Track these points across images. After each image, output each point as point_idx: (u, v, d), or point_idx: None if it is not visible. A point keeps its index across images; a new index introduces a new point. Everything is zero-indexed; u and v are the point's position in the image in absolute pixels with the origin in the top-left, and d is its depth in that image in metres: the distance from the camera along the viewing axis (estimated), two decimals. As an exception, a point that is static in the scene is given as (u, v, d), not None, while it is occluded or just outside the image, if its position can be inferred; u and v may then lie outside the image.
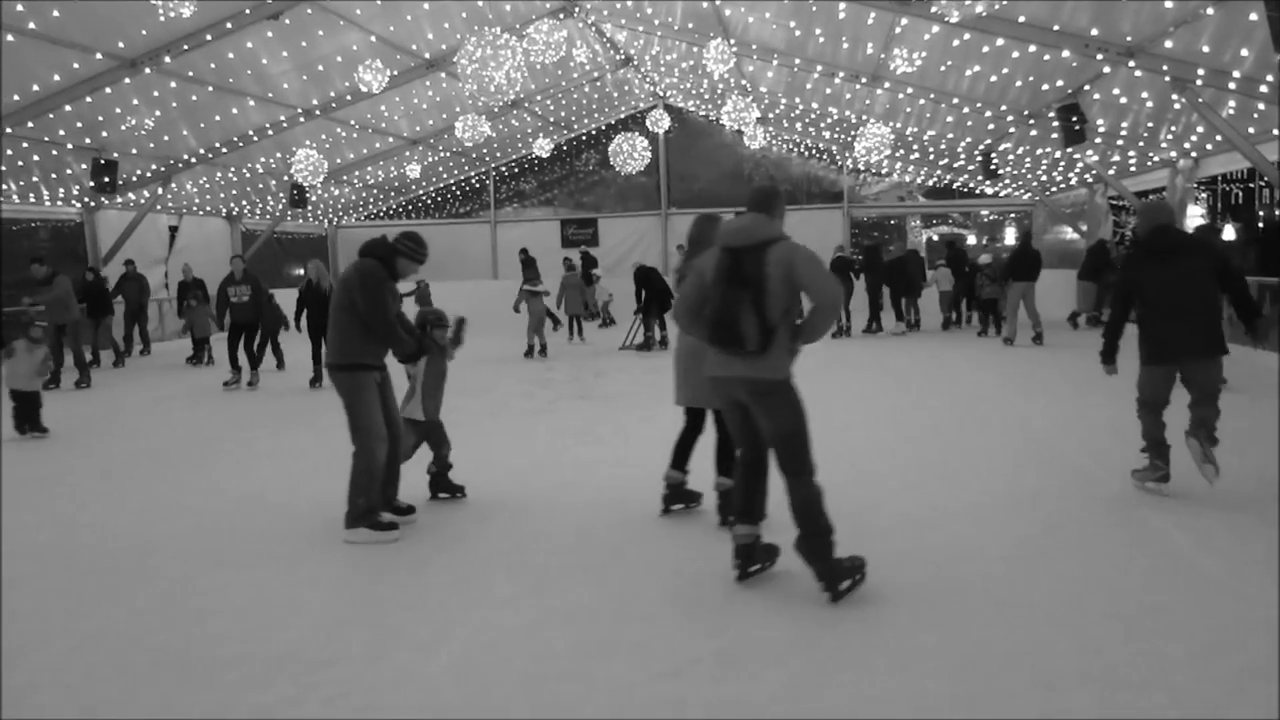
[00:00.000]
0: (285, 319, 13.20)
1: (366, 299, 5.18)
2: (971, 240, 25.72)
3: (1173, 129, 13.64)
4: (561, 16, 16.17)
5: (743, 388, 4.18)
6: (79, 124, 13.81)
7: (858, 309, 16.84)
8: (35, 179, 15.16)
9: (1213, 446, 5.47)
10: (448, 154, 22.66)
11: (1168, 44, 10.42)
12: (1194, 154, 14.56)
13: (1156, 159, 15.47)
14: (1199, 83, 10.75)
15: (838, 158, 23.75)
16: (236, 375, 12.23)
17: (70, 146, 14.46)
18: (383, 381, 5.45)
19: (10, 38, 10.89)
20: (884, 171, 23.30)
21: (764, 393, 4.14)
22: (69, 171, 15.35)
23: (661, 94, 23.54)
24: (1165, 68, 10.83)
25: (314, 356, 12.05)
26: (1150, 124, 13.84)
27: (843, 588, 4.10)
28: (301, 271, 23.34)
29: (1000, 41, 12.03)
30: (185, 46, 12.68)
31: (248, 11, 12.50)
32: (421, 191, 25.37)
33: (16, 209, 16.14)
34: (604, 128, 24.37)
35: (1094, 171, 17.56)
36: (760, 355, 4.08)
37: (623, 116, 24.36)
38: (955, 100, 15.42)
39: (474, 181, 25.52)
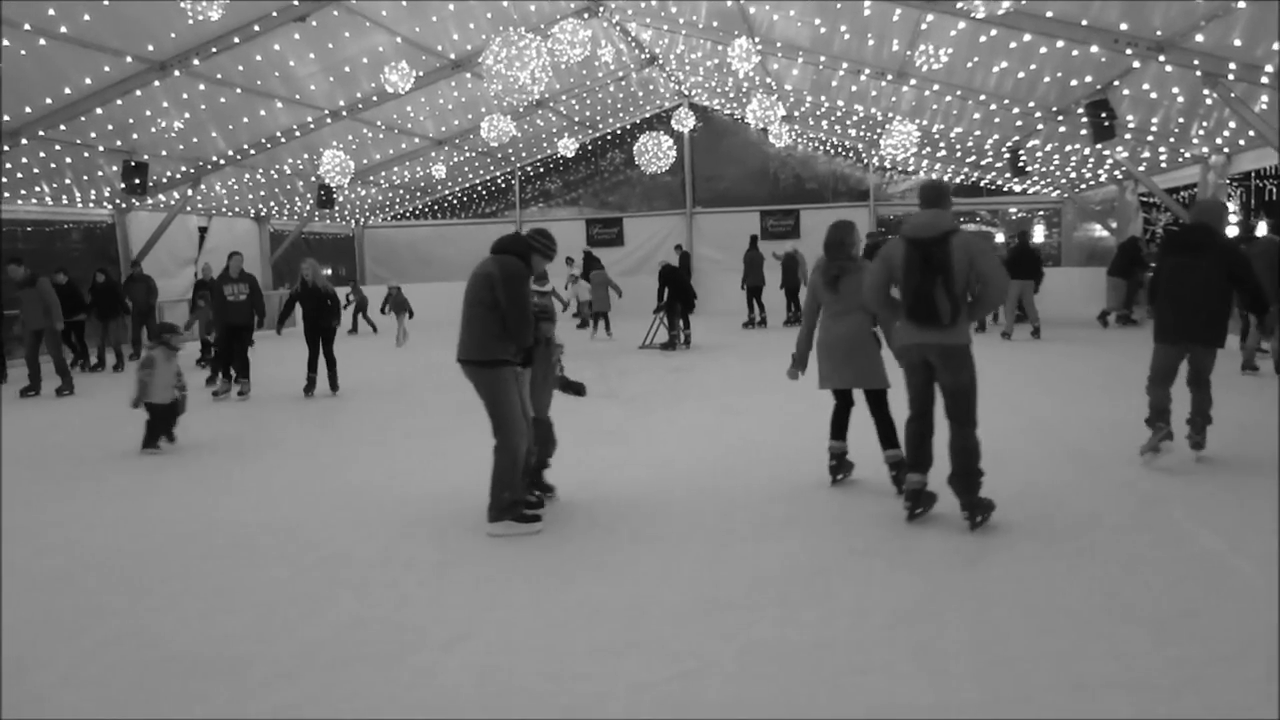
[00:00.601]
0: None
1: (512, 295, 5.23)
2: (1000, 239, 25.50)
3: (1204, 124, 13.45)
4: (586, 16, 16.19)
5: (934, 351, 5.06)
6: (110, 126, 14.03)
7: None
8: (68, 181, 15.42)
9: (1208, 425, 6.41)
10: (473, 154, 22.75)
11: (1198, 38, 10.28)
12: (1226, 149, 14.34)
13: (1188, 155, 15.25)
14: (1231, 77, 10.59)
15: (864, 155, 23.62)
16: (226, 384, 11.24)
17: (101, 149, 14.70)
18: (519, 377, 5.52)
19: (42, 41, 11.07)
20: (910, 169, 23.14)
21: (953, 355, 5.03)
22: (100, 174, 15.61)
23: (686, 93, 23.51)
24: (1196, 62, 10.69)
25: (309, 363, 11.18)
26: (1181, 119, 13.65)
27: (978, 520, 5.04)
28: (328, 271, 23.55)
29: (1028, 37, 11.91)
30: (214, 49, 12.83)
31: (275, 14, 12.64)
32: (447, 191, 25.44)
33: (50, 211, 16.42)
34: (629, 127, 24.37)
35: (1124, 168, 17.33)
36: (951, 326, 4.94)
37: (648, 116, 24.33)
38: (982, 97, 15.29)
39: (499, 181, 25.58)
